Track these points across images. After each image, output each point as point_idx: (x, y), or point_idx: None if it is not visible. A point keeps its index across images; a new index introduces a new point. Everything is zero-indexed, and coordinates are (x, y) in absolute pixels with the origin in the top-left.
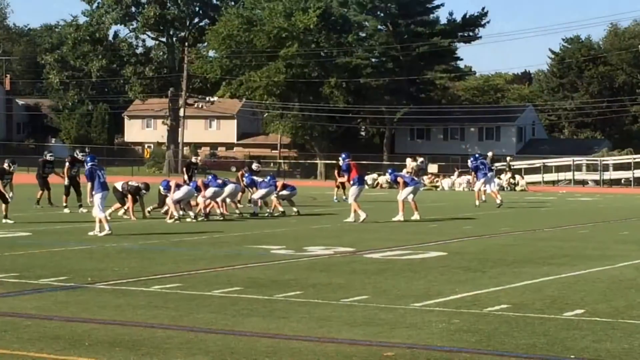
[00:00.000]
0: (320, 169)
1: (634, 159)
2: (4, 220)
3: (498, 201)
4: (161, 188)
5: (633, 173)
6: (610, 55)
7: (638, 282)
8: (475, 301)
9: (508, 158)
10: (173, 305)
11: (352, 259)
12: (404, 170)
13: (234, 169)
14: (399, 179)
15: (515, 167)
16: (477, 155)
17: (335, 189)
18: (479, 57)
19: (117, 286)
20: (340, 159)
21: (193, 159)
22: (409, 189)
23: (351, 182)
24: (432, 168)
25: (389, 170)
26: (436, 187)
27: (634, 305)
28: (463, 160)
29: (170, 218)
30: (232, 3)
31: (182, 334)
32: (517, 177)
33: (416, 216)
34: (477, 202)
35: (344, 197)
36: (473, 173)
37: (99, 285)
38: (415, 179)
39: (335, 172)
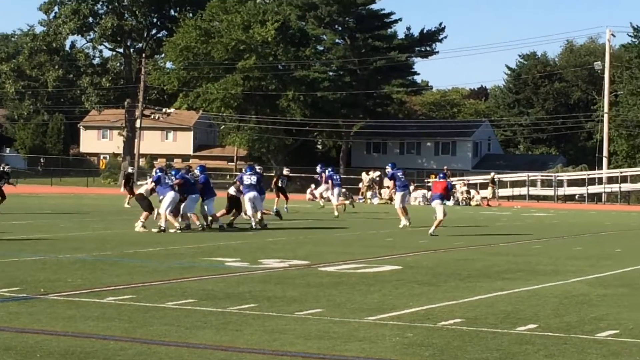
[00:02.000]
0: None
1: (588, 175)
2: None
3: (404, 222)
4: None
5: (587, 189)
6: (565, 72)
7: (590, 297)
8: (429, 315)
9: (492, 173)
10: (126, 317)
11: (306, 272)
12: (360, 184)
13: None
14: (391, 181)
15: (470, 182)
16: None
17: (276, 199)
18: (436, 72)
19: (70, 297)
20: (388, 167)
21: (130, 170)
22: (400, 195)
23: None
24: (388, 182)
25: (391, 165)
26: (392, 200)
27: (586, 320)
28: (419, 175)
29: (171, 228)
30: (190, 15)
31: (135, 345)
32: (472, 192)
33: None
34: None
35: (285, 207)
36: (392, 183)
37: (52, 297)
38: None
39: (273, 182)
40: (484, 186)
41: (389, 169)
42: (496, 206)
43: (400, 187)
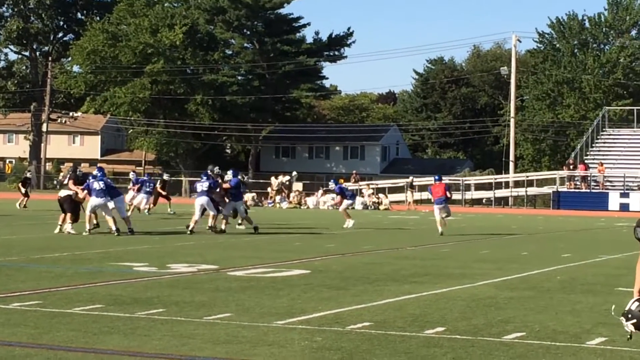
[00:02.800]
0: (185, 185)
1: (495, 179)
2: None
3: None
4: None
5: (494, 193)
6: (472, 77)
7: (497, 300)
8: (337, 319)
9: (411, 178)
10: (32, 323)
11: (215, 277)
12: (269, 188)
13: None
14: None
15: (379, 186)
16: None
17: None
18: (345, 77)
19: None
20: (332, 183)
21: (28, 174)
22: (348, 202)
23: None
24: (297, 186)
25: (333, 181)
26: (301, 204)
27: (493, 323)
28: (328, 179)
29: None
30: (97, 18)
31: (42, 352)
32: (381, 196)
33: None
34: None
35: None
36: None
37: None
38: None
39: (159, 186)
40: (392, 190)
41: (333, 186)
42: (413, 210)
43: (351, 197)
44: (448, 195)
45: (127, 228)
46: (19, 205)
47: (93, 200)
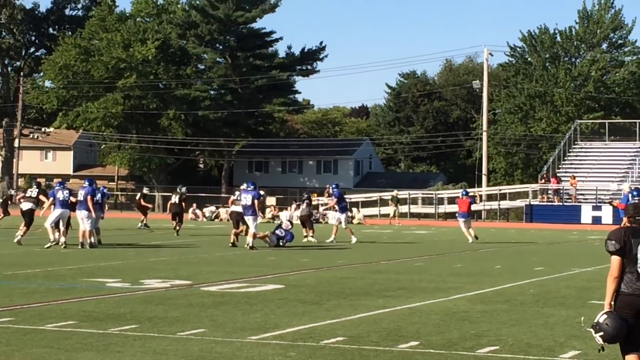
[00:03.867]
0: (158, 201)
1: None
2: None
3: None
4: None
5: None
6: (445, 91)
7: (471, 314)
8: (311, 334)
9: (395, 191)
10: (4, 340)
11: (189, 292)
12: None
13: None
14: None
15: (352, 200)
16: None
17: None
18: (317, 91)
19: None
20: (333, 187)
21: (11, 192)
22: (343, 216)
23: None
24: (270, 200)
25: (334, 185)
26: (274, 219)
27: (467, 337)
28: (301, 193)
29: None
30: (70, 33)
31: None
32: (354, 210)
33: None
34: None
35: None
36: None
37: None
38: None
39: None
40: (366, 204)
41: (334, 190)
42: (397, 224)
43: (344, 209)
44: (469, 211)
45: (91, 241)
46: None
47: (56, 212)
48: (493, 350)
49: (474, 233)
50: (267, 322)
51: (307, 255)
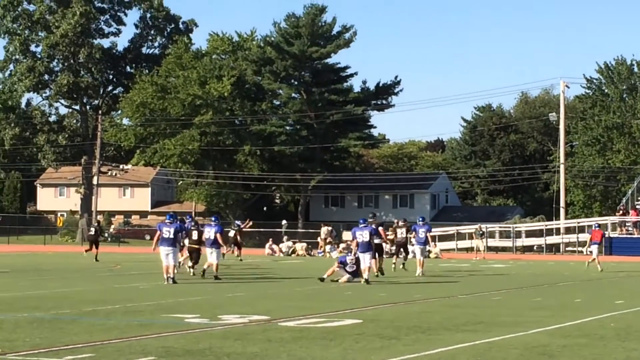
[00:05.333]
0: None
1: (546, 225)
2: None
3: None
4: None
5: (545, 239)
6: (521, 124)
7: (551, 348)
8: None
9: (479, 225)
10: None
11: (267, 327)
12: (319, 238)
13: (147, 237)
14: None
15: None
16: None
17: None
18: (393, 125)
19: (29, 357)
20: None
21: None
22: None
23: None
24: (347, 235)
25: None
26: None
27: None
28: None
29: None
30: (146, 71)
31: None
32: (432, 244)
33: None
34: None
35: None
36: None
37: (10, 356)
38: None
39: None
40: (442, 238)
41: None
42: (478, 259)
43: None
44: (601, 241)
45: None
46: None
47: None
48: None
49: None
50: (345, 357)
51: (384, 289)
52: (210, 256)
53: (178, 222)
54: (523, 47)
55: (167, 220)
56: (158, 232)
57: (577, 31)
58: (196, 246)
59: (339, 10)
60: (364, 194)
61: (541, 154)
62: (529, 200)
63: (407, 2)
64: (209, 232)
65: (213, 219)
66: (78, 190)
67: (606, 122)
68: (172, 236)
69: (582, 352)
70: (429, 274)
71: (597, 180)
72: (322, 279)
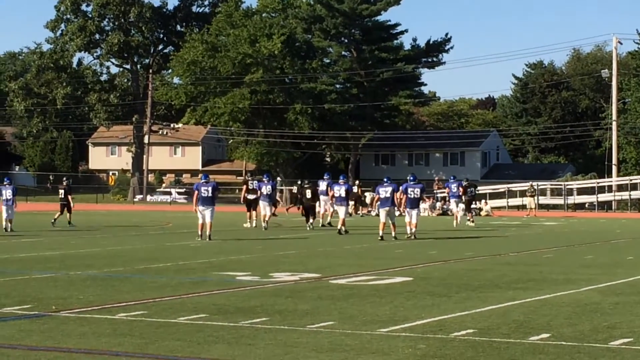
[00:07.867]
0: (285, 194)
1: (598, 183)
2: None
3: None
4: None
5: (597, 197)
6: (573, 81)
7: (603, 306)
8: (441, 326)
9: (530, 183)
10: (138, 333)
11: (318, 285)
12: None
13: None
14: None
15: (479, 191)
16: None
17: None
18: (443, 83)
19: (82, 314)
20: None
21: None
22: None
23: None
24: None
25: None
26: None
27: (599, 329)
28: (428, 186)
29: None
30: (196, 30)
31: None
32: (482, 201)
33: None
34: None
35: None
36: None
37: (63, 314)
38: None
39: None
40: (493, 196)
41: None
42: (533, 216)
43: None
44: None
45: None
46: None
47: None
48: (626, 343)
49: None
50: (396, 315)
51: (435, 247)
52: (263, 209)
53: (215, 182)
54: (575, 3)
55: (202, 180)
56: (196, 192)
57: None
58: (312, 203)
59: None
60: (415, 152)
61: (593, 111)
62: (580, 158)
63: None
64: (266, 188)
65: (265, 176)
66: (129, 149)
67: None
68: (210, 194)
69: (634, 310)
70: (480, 232)
71: None
72: (381, 238)
